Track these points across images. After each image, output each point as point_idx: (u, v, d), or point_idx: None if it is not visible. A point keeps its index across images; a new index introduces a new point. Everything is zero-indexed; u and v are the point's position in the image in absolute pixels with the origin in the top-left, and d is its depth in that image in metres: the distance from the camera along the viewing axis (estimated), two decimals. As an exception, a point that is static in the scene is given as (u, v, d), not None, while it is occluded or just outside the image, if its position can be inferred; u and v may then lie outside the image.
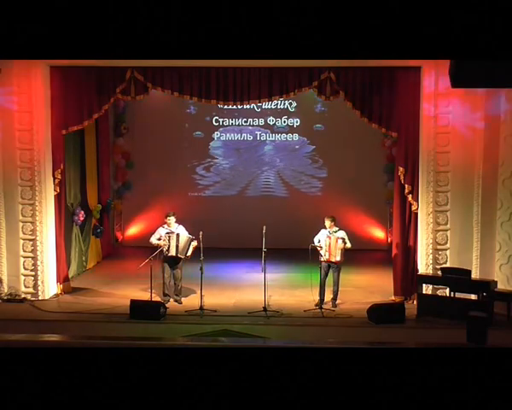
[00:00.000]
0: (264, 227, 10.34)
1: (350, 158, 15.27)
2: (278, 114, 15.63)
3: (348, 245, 10.54)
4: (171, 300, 10.80)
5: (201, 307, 10.27)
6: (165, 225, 10.86)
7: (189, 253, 10.69)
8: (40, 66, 10.76)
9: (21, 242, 11.06)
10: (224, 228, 15.09)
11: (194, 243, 10.60)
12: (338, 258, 10.46)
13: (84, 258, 13.42)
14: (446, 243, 10.64)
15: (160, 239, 10.73)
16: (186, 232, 10.81)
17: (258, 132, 15.72)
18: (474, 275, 10.29)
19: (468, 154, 10.45)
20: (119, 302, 10.81)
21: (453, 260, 10.56)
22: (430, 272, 10.64)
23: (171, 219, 10.83)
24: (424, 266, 10.71)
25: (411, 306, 10.44)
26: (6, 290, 11.08)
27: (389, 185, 14.22)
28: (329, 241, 10.46)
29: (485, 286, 9.95)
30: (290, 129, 15.69)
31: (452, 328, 9.34)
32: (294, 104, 15.47)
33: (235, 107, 13.67)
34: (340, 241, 10.41)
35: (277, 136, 15.74)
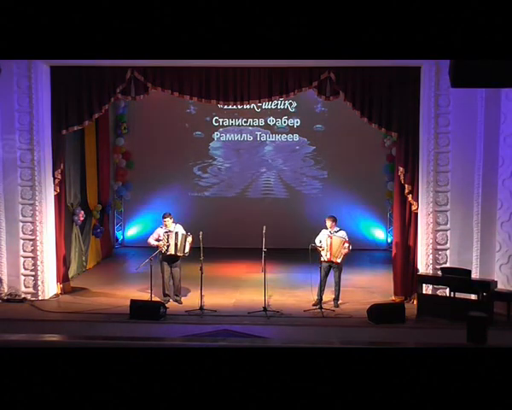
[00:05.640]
0: (264, 227, 10.34)
1: (350, 158, 15.27)
2: (278, 114, 15.63)
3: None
4: (171, 300, 10.80)
5: (201, 307, 10.28)
6: (163, 226, 10.86)
7: (187, 249, 10.68)
8: (40, 66, 10.78)
9: (21, 242, 11.06)
10: (224, 228, 15.10)
11: (190, 239, 10.60)
12: (339, 260, 10.49)
13: (84, 258, 13.42)
14: (446, 243, 10.65)
15: (158, 240, 10.73)
16: (183, 231, 10.81)
17: (259, 133, 15.72)
18: (474, 275, 10.29)
19: (468, 154, 10.46)
20: (119, 302, 10.82)
21: (453, 260, 10.56)
22: (430, 272, 10.64)
23: (168, 220, 10.83)
24: (424, 266, 10.72)
25: (411, 306, 10.45)
26: (6, 290, 11.09)
27: (389, 185, 14.22)
28: (330, 241, 10.47)
29: (485, 286, 9.95)
30: (290, 129, 15.68)
31: (452, 328, 9.34)
32: (295, 104, 15.47)
33: (235, 107, 13.66)
34: (346, 245, 10.41)
35: (277, 136, 15.73)
